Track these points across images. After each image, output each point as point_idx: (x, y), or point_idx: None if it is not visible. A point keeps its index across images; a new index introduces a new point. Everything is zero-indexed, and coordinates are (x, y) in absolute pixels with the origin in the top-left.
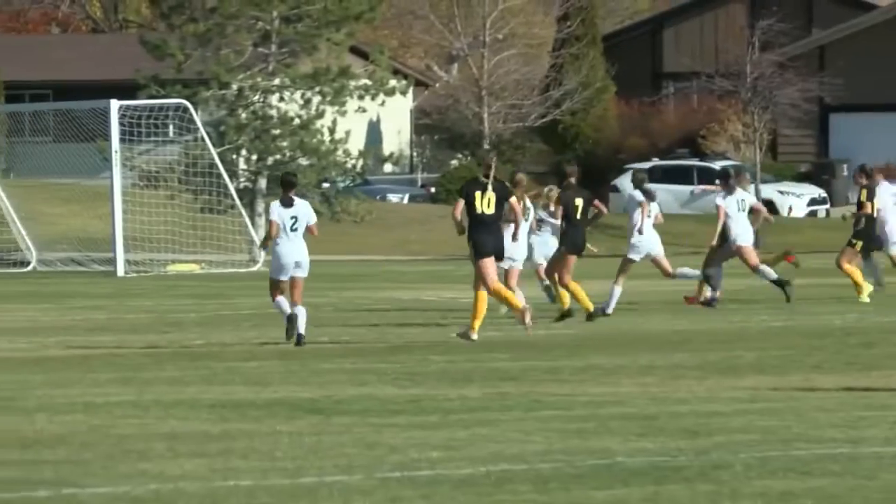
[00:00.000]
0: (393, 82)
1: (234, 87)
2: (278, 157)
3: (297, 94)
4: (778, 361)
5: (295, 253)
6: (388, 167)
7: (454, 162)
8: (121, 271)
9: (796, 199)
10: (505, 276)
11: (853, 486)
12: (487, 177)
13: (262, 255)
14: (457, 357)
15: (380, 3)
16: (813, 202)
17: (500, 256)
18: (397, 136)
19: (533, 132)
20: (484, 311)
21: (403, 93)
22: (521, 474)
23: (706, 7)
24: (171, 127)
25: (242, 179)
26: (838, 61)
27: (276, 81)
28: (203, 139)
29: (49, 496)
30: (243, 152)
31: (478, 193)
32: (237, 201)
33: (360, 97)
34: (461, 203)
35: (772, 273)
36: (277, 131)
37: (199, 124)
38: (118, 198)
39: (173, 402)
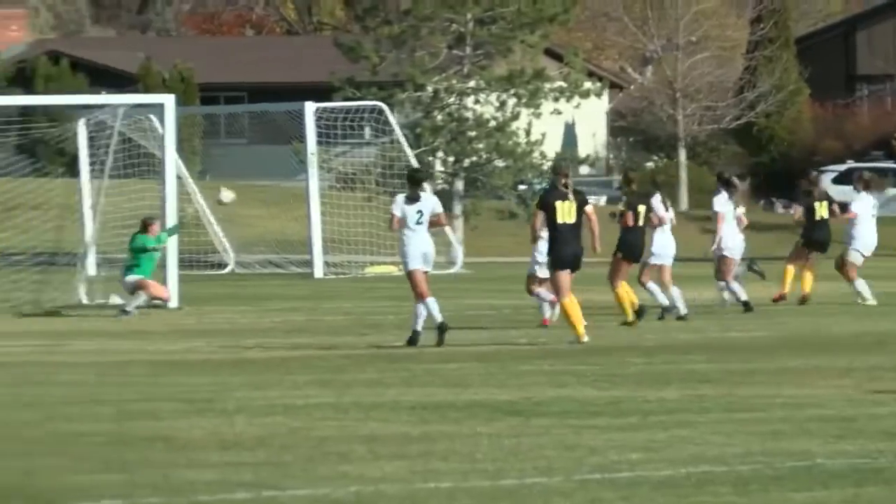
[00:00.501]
0: (587, 84)
1: (430, 89)
2: (475, 158)
3: (493, 96)
4: None
5: (422, 244)
6: (584, 169)
7: (649, 164)
8: (319, 273)
9: None
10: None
11: None
12: (566, 186)
13: (460, 258)
14: (654, 359)
15: (574, 5)
16: None
17: (577, 266)
18: (592, 138)
19: (727, 134)
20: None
21: (598, 95)
22: (720, 476)
23: None
24: (366, 129)
25: (439, 181)
26: None
27: (472, 83)
28: (399, 141)
29: (249, 498)
30: (439, 154)
31: (558, 203)
32: None
33: (556, 99)
34: (541, 214)
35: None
36: (473, 133)
37: (395, 126)
38: (315, 200)
39: (373, 405)
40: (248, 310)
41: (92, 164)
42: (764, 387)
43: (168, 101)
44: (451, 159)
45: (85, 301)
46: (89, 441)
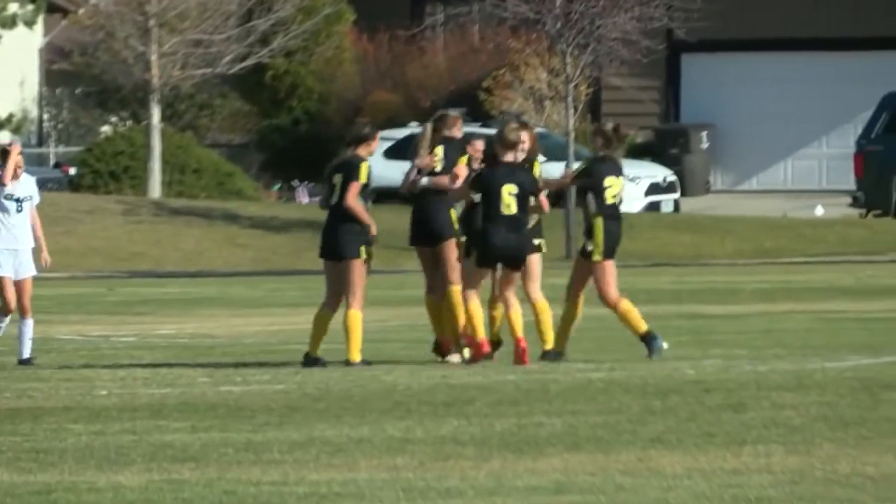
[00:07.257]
0: (14, 7)
1: None
2: None
3: None
4: (600, 432)
5: None
6: (4, 136)
7: (106, 128)
8: None
9: (629, 183)
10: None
11: None
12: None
13: None
14: (109, 426)
15: None
16: (654, 189)
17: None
18: (19, 88)
19: (226, 83)
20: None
21: (29, 23)
22: None
23: None
24: None
25: None
26: None
27: None
28: None
29: None
30: None
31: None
32: None
33: None
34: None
35: None
36: None
37: None
38: None
39: None
40: None
41: None
42: (277, 469)
43: None
44: None
45: None
46: None
